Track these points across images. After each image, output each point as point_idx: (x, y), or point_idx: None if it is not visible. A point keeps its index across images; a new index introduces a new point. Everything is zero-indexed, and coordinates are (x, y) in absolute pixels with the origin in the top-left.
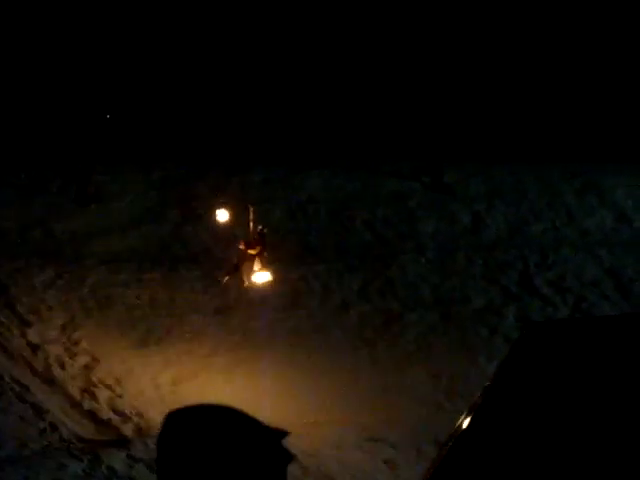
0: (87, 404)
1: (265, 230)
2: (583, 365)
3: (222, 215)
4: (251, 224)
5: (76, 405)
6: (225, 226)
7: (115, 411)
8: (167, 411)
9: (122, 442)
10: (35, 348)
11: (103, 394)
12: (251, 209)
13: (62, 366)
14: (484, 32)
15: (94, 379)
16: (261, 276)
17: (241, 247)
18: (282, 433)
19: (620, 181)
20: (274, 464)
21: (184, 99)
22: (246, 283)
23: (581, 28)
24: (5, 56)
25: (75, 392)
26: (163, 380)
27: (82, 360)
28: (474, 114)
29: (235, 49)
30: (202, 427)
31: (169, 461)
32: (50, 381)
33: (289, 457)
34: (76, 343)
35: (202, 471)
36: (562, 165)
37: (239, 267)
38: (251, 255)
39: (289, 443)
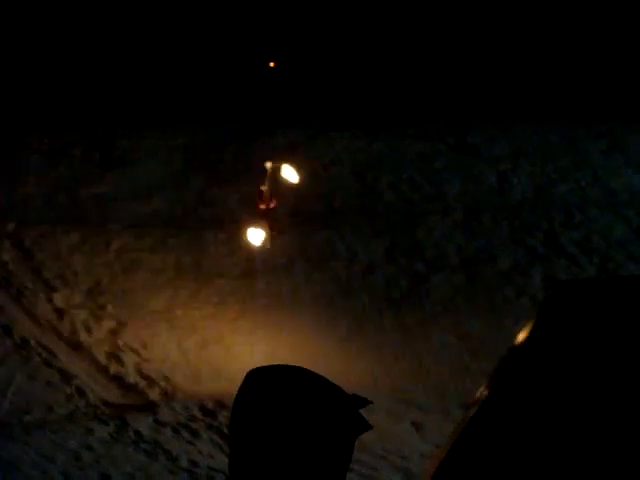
0: (113, 368)
1: (263, 188)
2: (611, 324)
3: (291, 173)
4: (266, 182)
5: (102, 370)
6: (253, 190)
7: (141, 375)
8: (200, 374)
9: (149, 406)
10: (61, 313)
11: (129, 358)
12: (269, 165)
13: (88, 331)
14: None
15: (120, 343)
16: (254, 235)
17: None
18: (363, 401)
19: None
20: (349, 432)
21: (207, 63)
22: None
23: None
24: (28, 22)
25: (101, 357)
26: (189, 344)
27: (108, 325)
28: (498, 74)
29: (256, 14)
30: (282, 388)
31: (245, 419)
32: (76, 346)
33: (366, 427)
34: (102, 308)
35: (278, 432)
36: (587, 125)
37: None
38: (264, 211)
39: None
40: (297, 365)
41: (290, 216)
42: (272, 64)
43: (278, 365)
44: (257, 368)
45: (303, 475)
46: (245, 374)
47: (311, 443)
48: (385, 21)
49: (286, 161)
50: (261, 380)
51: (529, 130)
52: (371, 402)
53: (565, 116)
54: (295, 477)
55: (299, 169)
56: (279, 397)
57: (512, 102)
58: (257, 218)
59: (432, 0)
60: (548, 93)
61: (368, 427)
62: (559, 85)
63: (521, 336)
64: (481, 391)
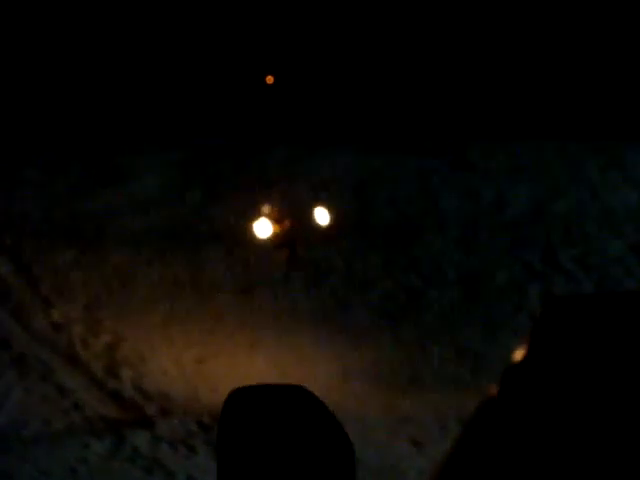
0: (111, 383)
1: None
2: (608, 341)
3: (264, 226)
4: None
5: (99, 384)
6: (251, 207)
7: (139, 390)
8: (198, 389)
9: (146, 421)
10: (58, 328)
11: (127, 373)
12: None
13: (85, 345)
14: (506, 7)
15: (118, 358)
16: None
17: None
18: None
19: None
20: (331, 453)
21: (205, 78)
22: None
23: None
24: (24, 35)
25: (99, 371)
26: (187, 359)
27: (105, 339)
28: (496, 91)
29: (255, 26)
30: (266, 407)
31: (231, 442)
32: (73, 360)
33: (350, 446)
34: (99, 322)
35: (264, 453)
36: (585, 141)
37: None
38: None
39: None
40: (289, 384)
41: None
42: (270, 79)
43: (261, 384)
44: (239, 388)
45: None
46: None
47: (301, 464)
48: (382, 38)
49: (284, 177)
50: (246, 401)
51: (527, 146)
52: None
53: (563, 133)
54: None
55: (297, 184)
56: (267, 418)
57: (510, 118)
58: (278, 240)
59: (432, 16)
60: (546, 110)
61: (351, 448)
62: (557, 102)
63: (518, 352)
64: (478, 406)
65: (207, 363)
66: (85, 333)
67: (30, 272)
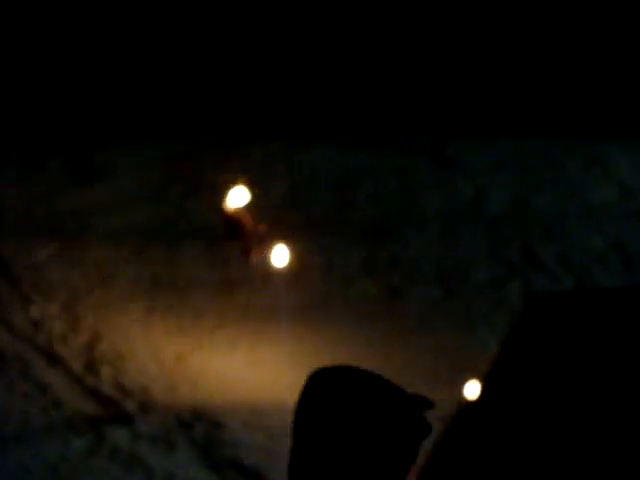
0: (90, 380)
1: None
2: (587, 336)
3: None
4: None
5: (79, 381)
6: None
7: (118, 387)
8: (177, 385)
9: (125, 418)
10: (37, 324)
11: (106, 370)
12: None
13: (65, 342)
14: (487, 2)
15: (97, 355)
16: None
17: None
18: (427, 403)
19: (625, 155)
20: (412, 435)
21: (183, 73)
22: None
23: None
24: (5, 30)
25: (78, 368)
26: (166, 355)
27: (85, 336)
28: (476, 87)
29: (235, 22)
30: (347, 390)
31: (308, 422)
32: (52, 358)
33: (428, 429)
34: (78, 319)
35: (342, 433)
36: (566, 138)
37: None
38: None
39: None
40: (359, 367)
41: (268, 228)
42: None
43: (341, 366)
44: (321, 369)
45: (365, 476)
46: (308, 375)
47: (375, 444)
48: (362, 34)
49: (264, 174)
50: (326, 381)
51: (507, 144)
52: (433, 404)
53: (543, 129)
54: (357, 478)
55: (277, 181)
56: (344, 398)
57: (491, 115)
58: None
59: (414, 12)
60: (527, 106)
61: (429, 430)
62: (538, 98)
63: (498, 348)
64: (458, 403)
65: (186, 360)
66: (64, 330)
67: (9, 269)
